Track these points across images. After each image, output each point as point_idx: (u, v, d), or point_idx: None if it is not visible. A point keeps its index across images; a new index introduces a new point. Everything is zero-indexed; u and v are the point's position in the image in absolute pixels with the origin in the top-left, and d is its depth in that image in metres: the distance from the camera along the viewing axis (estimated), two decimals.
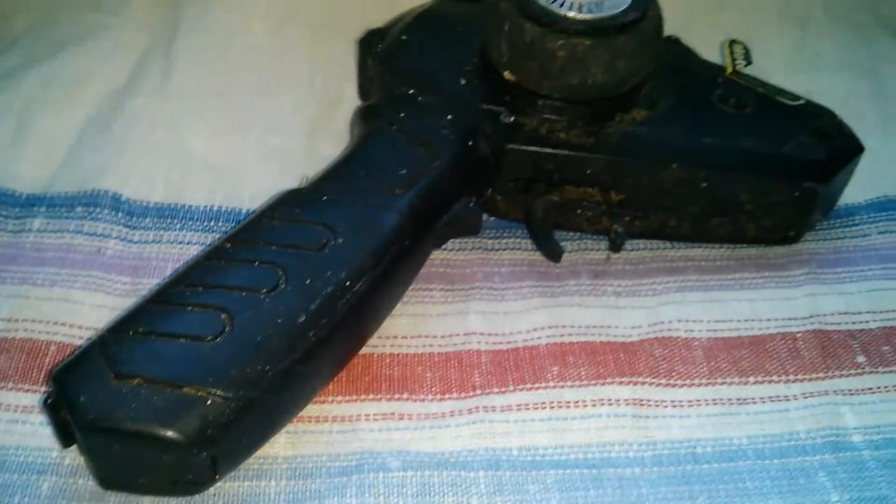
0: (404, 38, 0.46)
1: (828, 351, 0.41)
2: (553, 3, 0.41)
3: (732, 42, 0.47)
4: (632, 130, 0.42)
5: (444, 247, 0.44)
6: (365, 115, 0.43)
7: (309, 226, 0.37)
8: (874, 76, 0.57)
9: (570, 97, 0.42)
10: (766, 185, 0.42)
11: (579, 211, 0.43)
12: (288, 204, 0.38)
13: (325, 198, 0.38)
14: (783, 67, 0.56)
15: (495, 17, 0.42)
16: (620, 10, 0.41)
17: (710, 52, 0.51)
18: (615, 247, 0.43)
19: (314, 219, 0.37)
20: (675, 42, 0.48)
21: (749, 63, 0.46)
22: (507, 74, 0.42)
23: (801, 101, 0.45)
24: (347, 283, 0.35)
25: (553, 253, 0.42)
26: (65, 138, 0.48)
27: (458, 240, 0.45)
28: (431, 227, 0.40)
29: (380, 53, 0.46)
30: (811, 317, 0.42)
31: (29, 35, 0.54)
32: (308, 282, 0.35)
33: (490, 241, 0.45)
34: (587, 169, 0.42)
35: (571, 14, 0.40)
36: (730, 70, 0.46)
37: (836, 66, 0.58)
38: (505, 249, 0.45)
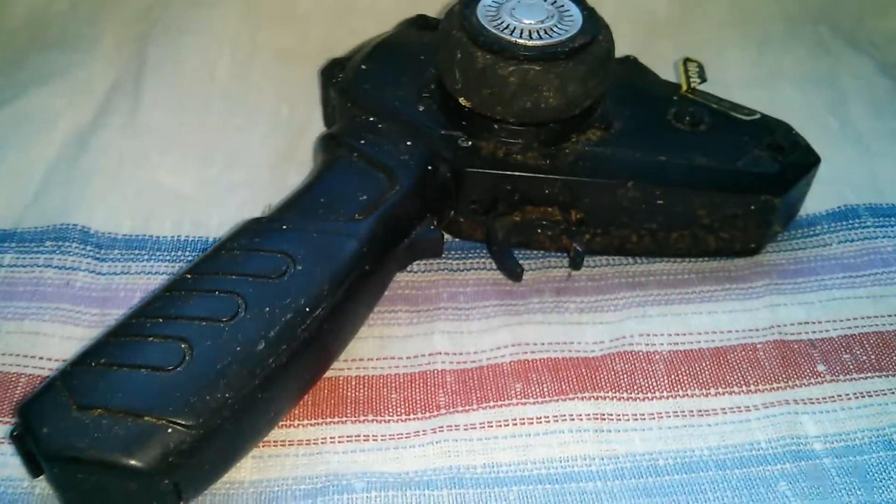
0: (363, 67, 0.47)
1: (788, 360, 0.41)
2: (504, 30, 0.42)
3: (687, 60, 0.48)
4: (587, 151, 0.43)
5: (409, 269, 0.44)
6: (326, 144, 0.44)
7: (269, 254, 0.37)
8: (833, 87, 0.58)
9: (524, 121, 0.43)
10: (721, 199, 0.43)
11: (539, 230, 0.44)
12: (248, 233, 0.39)
13: (284, 226, 0.39)
14: (743, 82, 0.57)
15: (448, 47, 0.43)
16: (569, 35, 0.42)
17: (671, 70, 0.52)
18: (575, 264, 0.43)
19: (274, 247, 0.38)
20: (631, 62, 0.49)
21: (704, 80, 0.47)
22: (462, 101, 0.43)
23: (757, 116, 0.46)
24: (307, 310, 0.36)
25: (513, 273, 0.43)
26: (34, 175, 0.49)
27: (423, 261, 0.45)
28: (392, 251, 0.41)
29: (340, 83, 0.47)
30: (771, 327, 0.43)
31: (1, 75, 0.55)
32: (267, 309, 0.35)
33: (454, 262, 0.46)
34: (545, 189, 0.43)
35: (521, 41, 0.41)
36: (685, 88, 0.47)
37: (796, 78, 0.59)
38: (469, 270, 0.46)
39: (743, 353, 0.42)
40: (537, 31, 0.42)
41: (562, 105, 0.42)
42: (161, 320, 0.35)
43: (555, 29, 0.42)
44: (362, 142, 0.43)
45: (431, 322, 0.43)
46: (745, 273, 0.45)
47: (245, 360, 0.34)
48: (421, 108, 0.45)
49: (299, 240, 0.38)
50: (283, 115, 0.54)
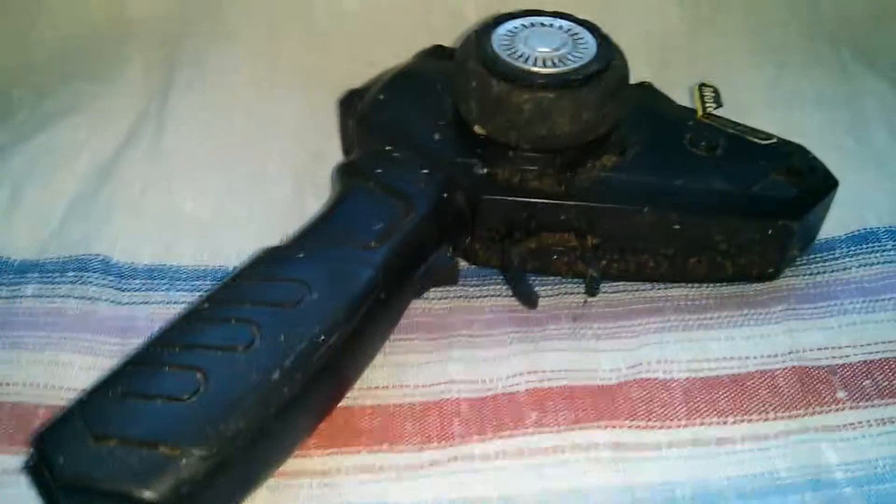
0: (381, 97, 0.48)
1: (808, 387, 0.41)
2: (518, 58, 0.42)
3: (702, 85, 0.48)
4: (602, 176, 0.43)
5: (425, 296, 0.44)
6: (342, 172, 0.45)
7: (284, 283, 0.38)
8: (853, 108, 0.58)
9: (539, 147, 0.43)
10: (738, 224, 0.43)
11: (555, 257, 0.44)
12: (265, 262, 0.39)
13: (300, 254, 0.39)
14: (761, 104, 0.57)
15: (463, 75, 0.43)
16: (583, 62, 0.42)
17: (686, 95, 0.52)
18: (591, 290, 0.43)
19: (289, 275, 0.38)
20: (647, 87, 0.49)
21: (719, 105, 0.47)
22: (477, 128, 0.43)
23: (773, 140, 0.46)
24: (322, 338, 0.36)
25: (529, 299, 0.43)
26: (57, 206, 0.50)
27: (438, 289, 0.45)
28: (408, 278, 0.41)
29: (358, 113, 0.48)
30: (790, 353, 0.42)
31: (24, 108, 0.56)
32: (282, 338, 0.35)
33: (471, 289, 0.46)
34: (561, 215, 0.43)
35: (535, 69, 0.42)
36: (700, 113, 0.46)
37: (814, 100, 0.59)
38: (485, 297, 0.46)
39: (762, 379, 0.41)
40: (551, 59, 0.42)
41: (576, 132, 0.42)
42: (177, 349, 0.35)
43: (569, 57, 0.43)
44: (379, 170, 0.43)
45: (447, 350, 0.43)
46: (764, 298, 0.45)
47: (260, 390, 0.34)
48: (437, 137, 0.45)
49: (315, 268, 0.39)
50: (303, 141, 0.55)
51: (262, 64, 0.58)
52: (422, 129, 0.46)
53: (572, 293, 0.46)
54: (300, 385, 0.35)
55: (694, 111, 0.47)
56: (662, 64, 0.59)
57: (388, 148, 0.45)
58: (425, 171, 0.43)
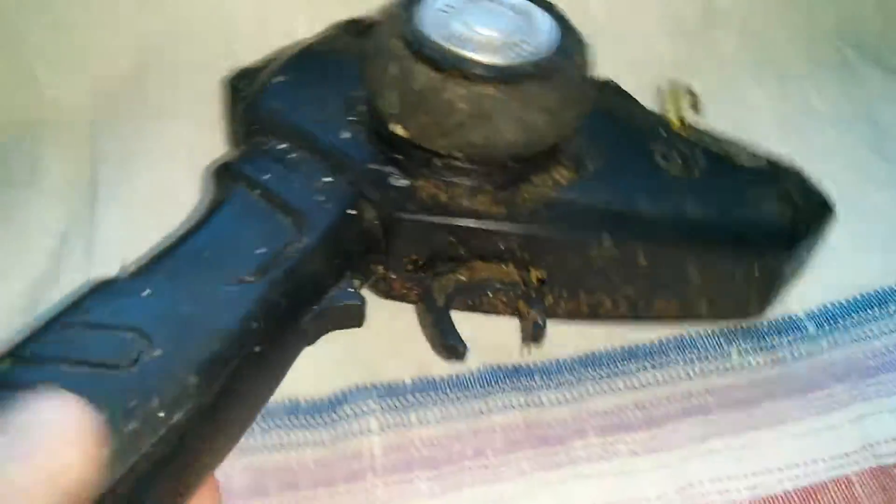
0: (277, 80, 0.38)
1: (891, 494, 0.34)
2: (454, 41, 0.33)
3: (676, 86, 0.40)
4: (552, 197, 0.35)
5: (425, 422, 0.37)
6: (219, 176, 0.35)
7: (116, 333, 0.27)
8: (870, 119, 0.52)
9: (474, 157, 0.34)
10: (716, 258, 0.36)
11: (490, 294, 0.36)
12: (94, 300, 0.28)
13: (145, 291, 0.28)
14: (768, 123, 0.51)
15: (381, 58, 0.34)
16: (537, 50, 0.34)
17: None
18: (535, 337, 0.35)
19: (124, 322, 0.27)
20: (612, 87, 0.41)
21: (698, 111, 0.39)
22: (397, 128, 0.34)
23: (763, 162, 0.38)
24: (160, 415, 0.25)
25: (455, 352, 0.34)
26: None
27: (439, 409, 0.38)
28: (294, 324, 0.31)
29: (247, 97, 0.38)
30: (863, 448, 0.36)
31: None
32: (107, 416, 0.24)
33: (477, 404, 0.39)
34: (499, 243, 0.35)
35: (475, 56, 0.33)
36: (676, 123, 0.39)
37: (826, 112, 0.52)
38: (495, 411, 0.38)
39: (837, 489, 0.35)
40: (496, 45, 0.33)
41: (523, 140, 0.33)
42: None
43: (519, 43, 0.34)
44: (267, 175, 0.33)
45: (458, 489, 0.36)
46: (820, 376, 0.39)
47: None
48: (345, 136, 0.36)
49: (162, 312, 0.28)
50: None
51: (199, 148, 0.50)
52: (327, 125, 0.36)
53: (594, 394, 0.39)
54: (130, 482, 0.24)
55: (666, 122, 0.39)
56: (652, 82, 0.53)
57: (281, 146, 0.35)
58: (327, 178, 0.34)
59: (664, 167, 0.37)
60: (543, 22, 0.35)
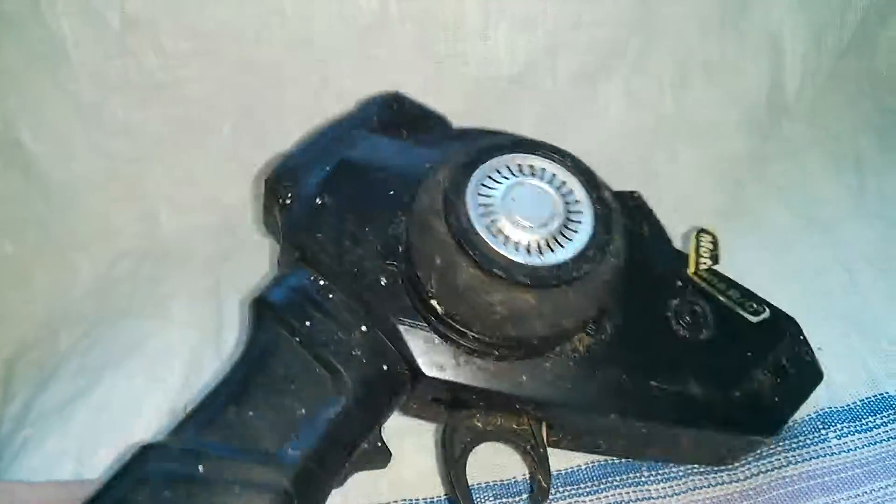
0: (321, 201, 0.39)
1: None
2: (497, 236, 0.35)
3: (700, 232, 0.42)
4: (570, 367, 0.37)
5: None
6: (261, 314, 0.37)
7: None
8: None
9: (503, 343, 0.36)
10: (709, 436, 0.39)
11: (503, 440, 0.39)
12: (139, 479, 0.31)
13: (200, 468, 0.32)
14: (845, 214, 0.53)
15: (426, 239, 0.35)
16: (576, 248, 0.35)
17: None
18: (537, 501, 0.38)
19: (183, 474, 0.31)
20: (636, 199, 0.42)
21: (716, 262, 0.41)
22: (435, 305, 0.35)
23: (765, 315, 0.40)
24: None
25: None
26: None
27: None
28: (328, 483, 0.34)
29: (290, 213, 0.39)
30: None
31: (75, 355, 0.53)
32: None
33: (588, 499, 0.41)
34: (516, 404, 0.37)
35: (518, 259, 0.34)
36: (693, 269, 0.41)
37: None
38: None
39: None
40: (537, 244, 0.35)
41: (552, 335, 0.36)
42: None
43: (558, 238, 0.35)
44: (308, 323, 0.35)
45: None
46: None
47: None
48: (383, 282, 0.37)
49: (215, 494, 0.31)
50: None
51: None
52: (366, 265, 0.37)
53: (701, 486, 0.41)
54: None
55: (683, 257, 0.42)
56: (736, 184, 0.55)
57: (322, 283, 0.37)
58: (363, 328, 0.36)
59: (674, 328, 0.39)
60: (582, 200, 0.36)
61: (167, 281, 0.55)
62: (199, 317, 0.52)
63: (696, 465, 0.42)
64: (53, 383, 0.52)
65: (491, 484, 0.42)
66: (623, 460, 0.42)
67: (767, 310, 0.40)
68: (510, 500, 0.41)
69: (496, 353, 0.36)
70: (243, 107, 0.55)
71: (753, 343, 0.40)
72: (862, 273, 0.51)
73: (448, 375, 0.36)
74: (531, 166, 0.37)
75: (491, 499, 0.41)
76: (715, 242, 0.41)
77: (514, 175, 0.36)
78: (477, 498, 0.41)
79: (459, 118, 0.55)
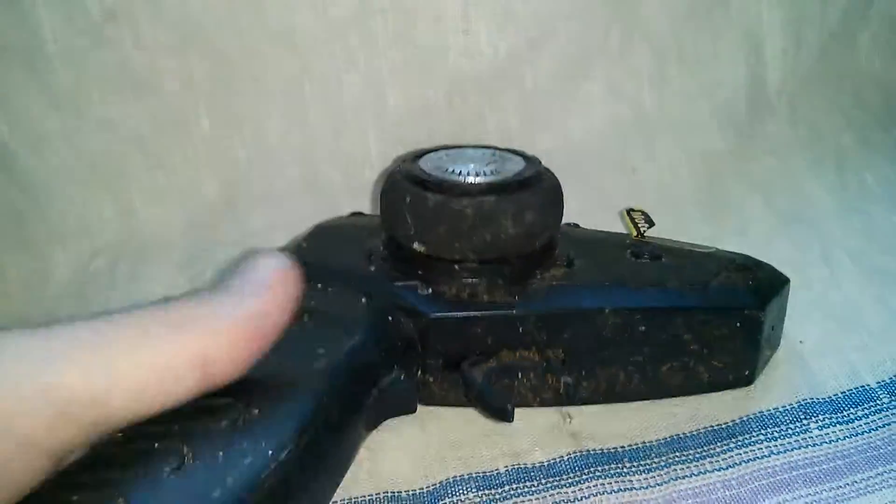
0: (304, 245, 0.46)
1: None
2: (451, 174, 0.41)
3: (630, 210, 0.47)
4: (556, 284, 0.42)
5: None
6: None
7: (215, 401, 0.31)
8: None
9: (484, 256, 0.41)
10: (704, 318, 0.41)
11: (519, 376, 0.42)
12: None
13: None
14: (833, 211, 0.53)
15: (396, 195, 0.42)
16: (516, 171, 0.42)
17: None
18: (570, 398, 0.42)
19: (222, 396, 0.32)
20: (573, 227, 0.49)
21: (652, 224, 0.46)
22: (416, 246, 0.41)
23: (713, 249, 0.45)
24: (270, 453, 0.30)
25: (503, 412, 0.39)
26: None
27: (535, 497, 0.40)
28: (358, 402, 0.37)
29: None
30: None
31: None
32: (220, 455, 0.29)
33: (571, 490, 0.41)
34: (519, 327, 0.41)
35: (471, 179, 0.41)
36: (635, 234, 0.46)
37: (885, 195, 0.55)
38: (589, 497, 0.40)
39: None
40: (484, 172, 0.41)
41: (521, 236, 0.40)
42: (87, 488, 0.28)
43: (500, 170, 0.42)
44: (312, 303, 0.37)
45: None
46: (889, 448, 0.40)
47: None
48: (372, 269, 0.43)
49: (251, 388, 0.32)
50: None
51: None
52: (354, 266, 0.44)
53: (683, 476, 0.41)
54: None
55: (626, 235, 0.47)
56: (716, 180, 0.56)
57: (318, 286, 0.40)
58: (363, 300, 0.40)
59: (637, 260, 0.44)
60: (513, 157, 0.44)
61: (145, 275, 0.54)
62: None
63: (676, 454, 0.42)
64: None
65: (473, 475, 0.42)
66: (604, 450, 0.42)
67: (715, 248, 0.45)
68: (492, 491, 0.41)
69: (483, 281, 0.41)
70: (222, 100, 0.55)
71: (712, 260, 0.44)
72: (843, 267, 0.51)
73: (446, 312, 0.41)
74: (464, 150, 0.45)
75: (473, 490, 0.41)
76: (646, 214, 0.47)
77: (450, 155, 0.44)
78: (459, 490, 0.41)
79: (440, 112, 0.55)
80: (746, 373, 0.43)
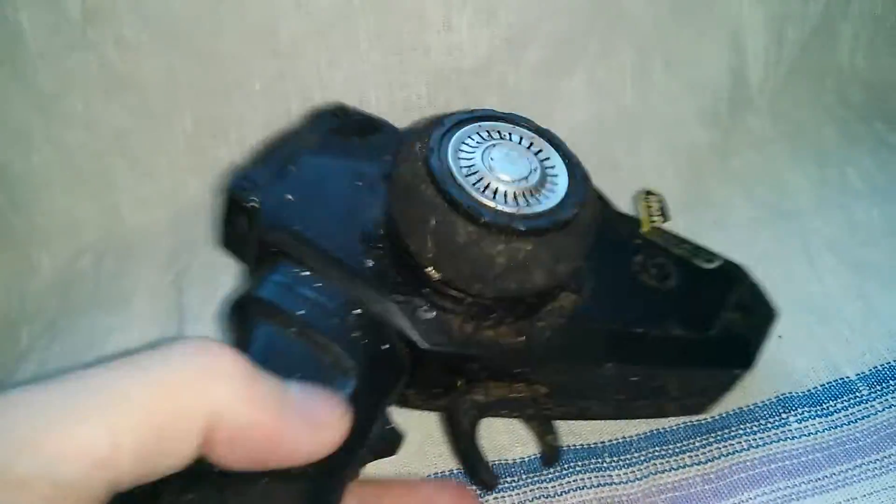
0: (289, 197, 0.38)
1: None
2: (485, 191, 0.34)
3: (648, 194, 0.45)
4: (562, 324, 0.38)
5: None
6: (248, 313, 0.35)
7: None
8: None
9: (502, 297, 0.36)
10: (696, 375, 0.41)
11: (504, 411, 0.40)
12: None
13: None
14: (813, 204, 0.53)
15: (416, 207, 0.35)
16: (559, 200, 0.35)
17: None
18: (550, 461, 0.40)
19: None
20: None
21: (667, 219, 0.44)
22: (430, 271, 0.35)
23: (718, 262, 0.43)
24: None
25: (487, 484, 0.37)
26: None
27: (516, 492, 0.41)
28: (342, 477, 0.33)
29: (260, 214, 0.38)
30: None
31: (35, 350, 0.52)
32: None
33: (552, 485, 0.41)
34: (516, 369, 0.37)
35: (508, 209, 0.34)
36: (645, 227, 0.44)
37: (868, 191, 0.55)
38: (569, 491, 0.41)
39: None
40: (523, 195, 0.35)
41: (549, 284, 0.36)
42: None
43: (542, 190, 0.35)
44: (301, 312, 0.34)
45: None
46: (875, 438, 0.41)
47: None
48: (370, 263, 0.36)
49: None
50: None
51: None
52: (350, 251, 0.37)
53: (663, 470, 0.41)
54: None
55: (636, 221, 0.44)
56: (698, 176, 0.56)
57: (305, 273, 0.36)
58: (357, 311, 0.35)
59: (644, 279, 0.41)
60: (554, 159, 0.37)
61: (129, 275, 0.54)
62: (160, 312, 0.52)
63: (656, 449, 0.42)
64: (14, 379, 0.51)
65: (454, 471, 0.42)
66: (584, 445, 0.42)
67: (718, 259, 0.43)
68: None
69: (492, 316, 0.36)
70: (204, 100, 0.55)
71: (715, 287, 0.42)
72: (823, 262, 0.52)
73: (447, 347, 0.36)
74: (499, 131, 0.37)
75: None
76: (662, 201, 0.44)
77: (484, 140, 0.37)
78: None
79: (421, 110, 0.55)
80: (706, 408, 0.44)
